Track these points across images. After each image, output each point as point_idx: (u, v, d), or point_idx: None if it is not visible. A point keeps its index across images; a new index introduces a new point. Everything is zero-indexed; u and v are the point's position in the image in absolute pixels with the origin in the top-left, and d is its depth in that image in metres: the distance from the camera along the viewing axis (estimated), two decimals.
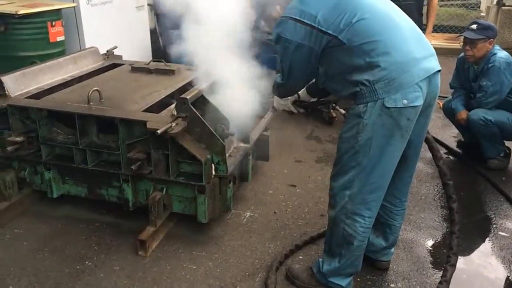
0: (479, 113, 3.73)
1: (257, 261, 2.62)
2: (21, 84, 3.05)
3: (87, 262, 2.57)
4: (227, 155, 2.68)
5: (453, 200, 2.29)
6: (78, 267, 2.54)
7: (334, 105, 4.59)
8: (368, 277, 2.52)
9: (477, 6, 9.91)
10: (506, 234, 2.97)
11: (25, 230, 2.83)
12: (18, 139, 2.79)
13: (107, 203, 2.93)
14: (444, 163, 2.28)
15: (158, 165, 2.68)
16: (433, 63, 2.02)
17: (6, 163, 2.96)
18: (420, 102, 1.97)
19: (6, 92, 2.93)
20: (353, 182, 2.09)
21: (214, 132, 2.60)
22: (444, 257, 2.43)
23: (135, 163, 2.62)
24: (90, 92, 2.85)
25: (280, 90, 2.38)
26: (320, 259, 2.37)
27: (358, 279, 2.49)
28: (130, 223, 2.91)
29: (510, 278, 2.58)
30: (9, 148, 2.75)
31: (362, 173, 2.06)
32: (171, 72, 3.57)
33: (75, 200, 3.04)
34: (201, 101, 2.78)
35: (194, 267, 2.56)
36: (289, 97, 2.53)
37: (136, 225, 2.85)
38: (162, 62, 3.70)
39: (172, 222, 2.91)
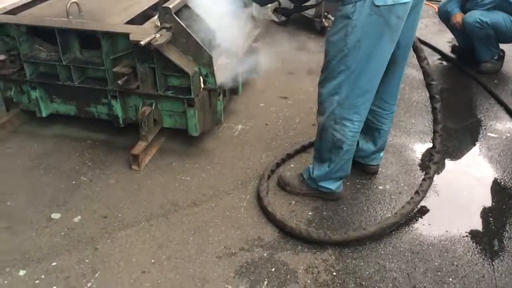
0: (474, 15, 3.65)
1: (249, 170, 2.70)
2: None
3: (82, 177, 2.64)
4: (215, 68, 2.65)
5: (437, 100, 2.30)
6: (73, 182, 2.61)
7: (326, 13, 4.51)
8: (357, 180, 2.61)
9: None
10: (494, 135, 3.04)
11: (18, 149, 2.87)
12: None
13: (97, 121, 2.95)
14: (428, 63, 2.26)
15: (145, 79, 2.66)
16: None
17: None
18: None
19: None
20: (341, 86, 2.07)
21: (200, 43, 2.56)
22: None
23: (121, 78, 2.60)
24: (69, 5, 2.76)
25: None
26: (310, 165, 2.44)
27: (348, 183, 2.57)
28: (123, 139, 2.95)
29: (496, 176, 2.68)
30: None
31: (351, 77, 2.03)
32: None
33: (65, 119, 3.05)
34: (185, 11, 2.70)
35: (188, 178, 2.63)
36: (269, 5, 2.43)
37: (128, 141, 2.89)
38: None
39: (164, 137, 2.95)
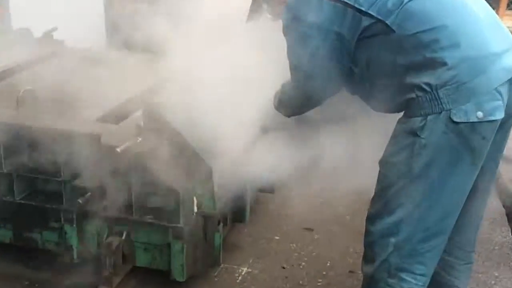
0: None
1: None
2: None
3: None
4: (215, 185, 2.68)
5: None
6: None
7: None
8: None
9: None
10: None
11: None
12: None
13: (41, 252, 2.89)
14: None
15: (116, 198, 2.64)
16: None
17: None
18: (500, 115, 1.96)
19: None
20: (400, 225, 2.07)
21: (197, 152, 2.61)
22: None
23: (82, 194, 2.60)
24: (21, 93, 2.82)
25: (292, 103, 2.36)
26: None
27: None
28: (74, 281, 2.84)
29: None
30: None
31: (415, 214, 2.04)
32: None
33: None
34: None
35: None
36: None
37: (82, 284, 2.79)
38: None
39: (136, 280, 2.87)
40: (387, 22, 1.93)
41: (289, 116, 2.50)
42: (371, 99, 2.23)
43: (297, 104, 2.37)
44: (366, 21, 1.96)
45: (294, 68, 2.18)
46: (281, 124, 2.60)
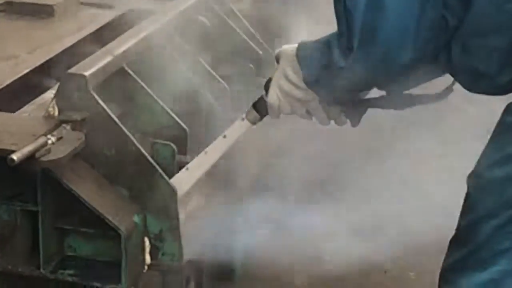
0: None
1: None
2: None
3: None
4: (181, 217, 2.56)
5: None
6: None
7: None
8: None
9: None
10: None
11: None
12: None
13: None
14: None
15: (12, 239, 2.48)
16: None
17: None
18: None
19: None
20: (503, 284, 1.93)
21: (150, 158, 2.46)
22: None
23: None
24: None
25: (338, 81, 2.15)
26: None
27: None
28: None
29: None
30: None
31: None
32: (45, 11, 3.51)
33: None
34: (120, 83, 2.67)
35: None
36: None
37: None
38: None
39: None
40: None
41: (325, 98, 2.29)
42: (461, 74, 2.07)
43: (347, 82, 2.12)
44: None
45: (344, 16, 1.96)
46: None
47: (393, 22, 1.92)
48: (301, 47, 2.20)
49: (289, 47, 2.23)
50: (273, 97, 2.30)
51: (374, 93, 2.33)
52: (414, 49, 1.97)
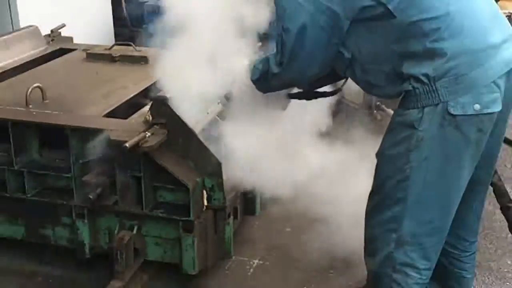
0: None
1: None
2: None
3: None
4: (224, 177, 2.69)
5: None
6: None
7: (378, 103, 4.62)
8: None
9: None
10: None
11: None
12: None
13: (54, 249, 2.95)
14: (500, 179, 2.34)
15: (127, 193, 2.70)
16: None
17: None
18: (498, 107, 1.96)
19: None
20: (401, 220, 2.09)
21: (206, 145, 2.63)
22: None
23: (93, 190, 2.64)
24: (30, 90, 2.89)
25: (272, 81, 2.27)
26: None
27: None
28: (87, 277, 2.91)
29: None
30: None
31: (415, 208, 2.05)
32: (143, 60, 3.64)
33: (8, 244, 3.04)
34: None
35: None
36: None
37: (95, 279, 2.85)
38: (131, 45, 3.78)
39: (147, 275, 2.90)
40: (389, 6, 1.89)
41: (265, 92, 2.41)
42: (361, 83, 2.22)
43: (277, 82, 2.29)
44: (366, 2, 1.91)
45: (279, 42, 2.10)
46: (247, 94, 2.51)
47: (308, 51, 2.05)
48: (254, 61, 2.36)
49: (249, 61, 2.39)
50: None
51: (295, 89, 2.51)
52: (319, 68, 2.15)
